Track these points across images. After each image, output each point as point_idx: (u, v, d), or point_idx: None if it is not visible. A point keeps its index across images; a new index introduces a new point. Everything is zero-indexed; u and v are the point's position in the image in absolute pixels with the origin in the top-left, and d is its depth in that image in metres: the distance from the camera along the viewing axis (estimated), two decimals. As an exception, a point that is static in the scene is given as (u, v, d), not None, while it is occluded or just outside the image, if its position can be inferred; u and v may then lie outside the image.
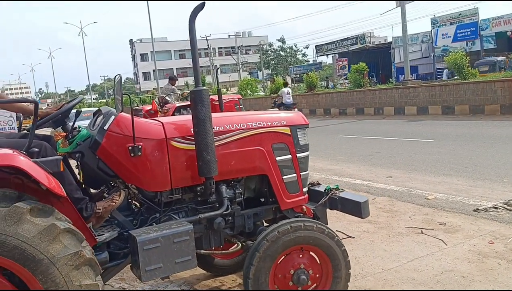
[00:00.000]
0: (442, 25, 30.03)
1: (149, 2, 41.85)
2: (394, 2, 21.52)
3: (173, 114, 11.68)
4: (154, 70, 49.08)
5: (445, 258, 4.10)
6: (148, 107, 13.67)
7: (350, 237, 4.86)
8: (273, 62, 64.86)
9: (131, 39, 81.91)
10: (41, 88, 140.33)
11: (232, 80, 63.89)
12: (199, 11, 2.70)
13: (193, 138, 2.74)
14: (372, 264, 4.14)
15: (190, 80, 54.35)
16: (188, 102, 13.62)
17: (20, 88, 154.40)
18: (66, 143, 2.70)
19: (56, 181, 2.26)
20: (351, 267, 4.07)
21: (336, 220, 5.09)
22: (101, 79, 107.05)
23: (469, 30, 27.91)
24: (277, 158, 3.16)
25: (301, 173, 3.30)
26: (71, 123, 2.86)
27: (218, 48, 78.20)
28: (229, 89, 51.19)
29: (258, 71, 62.79)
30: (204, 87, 2.72)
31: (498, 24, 26.60)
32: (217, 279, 4.00)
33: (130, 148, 2.63)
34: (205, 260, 3.83)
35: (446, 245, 4.39)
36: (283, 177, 3.19)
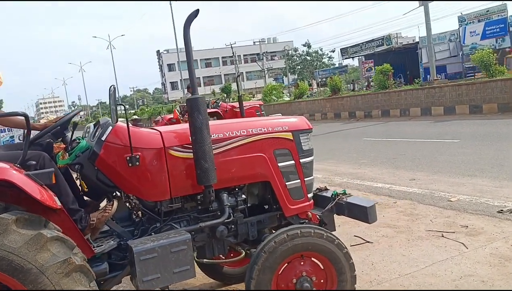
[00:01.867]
0: (470, 22, 29.36)
1: (174, 13, 42.42)
2: (417, 1, 21.08)
3: None
4: (181, 80, 49.72)
5: (465, 262, 3.95)
6: (170, 116, 13.95)
7: (368, 242, 4.75)
8: (299, 67, 64.65)
9: (158, 50, 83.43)
10: (74, 101, 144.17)
11: (259, 86, 64.05)
12: (194, 19, 2.70)
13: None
14: (389, 269, 4.03)
15: (217, 88, 54.83)
16: (212, 110, 13.88)
17: (54, 101, 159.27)
18: (65, 155, 2.73)
19: (49, 193, 2.29)
20: (367, 272, 4.04)
21: (355, 225, 4.98)
22: (131, 91, 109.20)
23: (498, 26, 27.16)
24: (280, 164, 3.11)
25: (305, 179, 3.23)
26: (69, 135, 2.89)
27: (244, 55, 78.69)
28: (255, 95, 51.37)
29: (284, 76, 62.78)
30: (200, 95, 2.70)
31: (528, 19, 25.79)
32: (231, 287, 3.97)
33: (128, 158, 2.63)
34: (214, 269, 3.80)
35: (467, 248, 4.23)
36: (287, 183, 3.14)
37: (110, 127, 2.70)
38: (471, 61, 20.80)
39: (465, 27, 29.18)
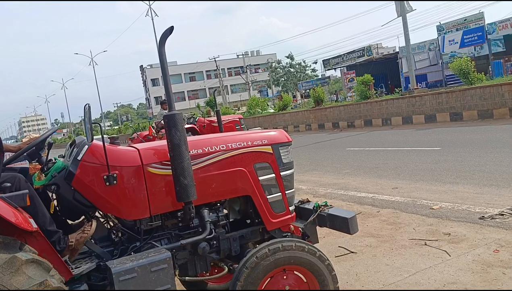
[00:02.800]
0: (448, 31, 29.97)
1: (156, 28, 42.51)
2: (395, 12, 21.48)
3: None
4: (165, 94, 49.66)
5: (448, 269, 3.97)
6: (146, 133, 13.76)
7: (352, 252, 4.75)
8: (283, 79, 65.10)
9: (142, 65, 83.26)
10: (56, 119, 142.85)
11: (243, 99, 64.22)
12: (168, 36, 2.70)
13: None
14: (373, 279, 4.02)
15: (201, 101, 54.82)
16: (187, 125, 13.55)
17: (36, 120, 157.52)
18: (41, 176, 2.68)
19: (23, 216, 2.24)
20: (352, 283, 4.03)
21: (340, 236, 5.00)
22: (114, 106, 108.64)
23: (475, 35, 27.80)
24: (260, 178, 3.11)
25: (287, 192, 3.23)
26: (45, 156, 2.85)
27: (228, 68, 78.96)
28: (240, 108, 51.47)
29: (268, 89, 63.13)
30: (178, 111, 2.69)
31: (505, 27, 26.43)
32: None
33: (105, 177, 2.60)
34: (198, 286, 3.76)
35: (450, 256, 4.25)
36: (268, 197, 3.13)
37: (86, 146, 2.67)
38: (450, 69, 21.19)
39: (443, 36, 29.79)
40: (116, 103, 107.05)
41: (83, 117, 2.66)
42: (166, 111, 14.13)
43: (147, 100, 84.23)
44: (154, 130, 13.01)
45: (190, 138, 2.89)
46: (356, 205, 6.66)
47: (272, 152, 3.18)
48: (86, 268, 2.56)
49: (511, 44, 27.10)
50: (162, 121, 14.40)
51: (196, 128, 13.47)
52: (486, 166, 8.01)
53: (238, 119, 14.20)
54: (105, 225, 2.96)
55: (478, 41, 27.61)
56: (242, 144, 3.09)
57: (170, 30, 2.70)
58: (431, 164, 9.09)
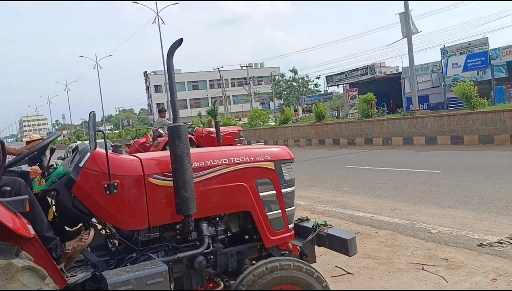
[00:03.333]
0: (452, 55, 30.10)
1: (162, 35, 42.74)
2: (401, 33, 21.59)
3: (163, 148, 11.63)
4: (167, 101, 49.77)
5: (445, 296, 3.94)
6: (142, 140, 13.69)
7: (349, 273, 4.71)
8: (285, 92, 65.29)
9: (146, 71, 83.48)
10: (58, 120, 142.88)
11: (245, 110, 64.35)
12: (177, 47, 2.70)
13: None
14: (369, 303, 3.99)
15: (203, 110, 54.93)
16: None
17: (37, 119, 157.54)
18: (42, 181, 2.66)
19: (22, 221, 2.22)
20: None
21: (337, 255, 4.91)
22: (116, 111, 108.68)
23: (479, 59, 27.90)
24: (261, 194, 3.09)
25: (287, 209, 3.21)
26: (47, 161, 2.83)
27: (231, 79, 79.20)
28: (241, 119, 51.56)
29: (270, 101, 63.27)
30: (182, 123, 2.68)
31: (508, 53, 26.53)
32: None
33: (105, 185, 2.58)
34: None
35: (447, 282, 4.21)
36: (268, 213, 3.11)
37: (89, 154, 2.65)
38: (452, 92, 21.25)
39: (447, 59, 29.91)
40: (118, 108, 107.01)
41: (87, 123, 2.64)
42: (164, 119, 14.05)
43: (149, 106, 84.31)
44: (150, 138, 12.93)
45: (193, 150, 2.87)
46: (354, 225, 6.62)
47: (274, 168, 3.17)
48: (82, 277, 2.53)
49: (513, 71, 27.26)
50: (159, 130, 14.21)
51: (193, 138, 13.19)
52: (485, 191, 7.98)
53: (237, 131, 13.97)
54: (103, 233, 2.92)
55: (481, 66, 27.72)
56: (245, 159, 3.07)
57: (179, 42, 2.70)
58: (430, 186, 9.06)
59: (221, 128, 15.56)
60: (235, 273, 3.02)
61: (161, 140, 12.88)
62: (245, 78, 64.35)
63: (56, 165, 2.83)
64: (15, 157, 2.79)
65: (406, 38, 21.39)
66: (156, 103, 77.83)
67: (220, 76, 56.15)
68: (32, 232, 2.29)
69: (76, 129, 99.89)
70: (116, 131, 70.92)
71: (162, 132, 13.43)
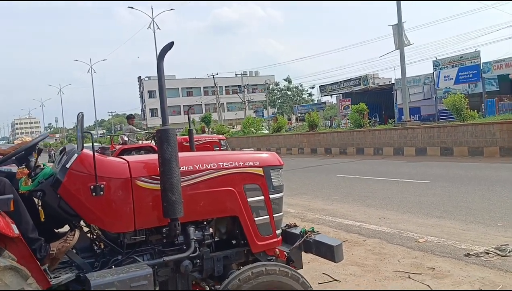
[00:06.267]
0: (444, 67, 30.39)
1: (156, 41, 42.83)
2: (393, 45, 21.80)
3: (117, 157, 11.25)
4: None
5: (430, 305, 3.95)
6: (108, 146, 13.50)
7: (336, 280, 4.72)
8: (279, 101, 65.50)
9: (140, 77, 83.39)
10: (50, 123, 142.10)
11: (239, 117, 64.40)
12: (168, 51, 2.71)
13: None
14: (355, 310, 3.99)
15: (197, 117, 54.86)
16: (138, 145, 12.62)
17: (30, 122, 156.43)
18: (28, 181, 2.65)
19: (6, 221, 2.21)
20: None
21: (324, 262, 4.92)
22: (109, 115, 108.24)
23: (471, 72, 28.19)
24: (249, 199, 3.09)
25: (274, 215, 3.21)
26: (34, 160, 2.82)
27: (225, 86, 79.28)
28: (235, 127, 51.59)
29: (264, 109, 63.42)
30: (170, 127, 2.69)
31: (499, 67, 26.85)
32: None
33: (92, 187, 2.58)
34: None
35: (433, 291, 4.24)
36: (255, 219, 3.11)
37: (76, 155, 2.64)
38: (443, 104, 21.42)
39: (439, 72, 30.19)
40: (111, 112, 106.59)
41: (75, 125, 2.64)
42: (131, 126, 13.71)
43: (142, 111, 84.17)
44: (118, 145, 12.69)
45: (182, 154, 2.88)
46: (343, 232, 6.64)
47: (263, 174, 3.17)
48: (65, 279, 2.51)
49: (504, 84, 27.53)
50: (124, 137, 13.80)
51: (154, 146, 12.06)
52: (473, 203, 8.05)
53: (217, 140, 13.25)
54: (88, 235, 2.91)
55: (472, 78, 28.00)
56: (234, 164, 3.08)
57: (170, 45, 2.72)
58: (419, 196, 9.12)
59: (201, 137, 14.91)
60: (222, 278, 3.00)
61: (117, 147, 12.46)
62: (239, 86, 64.46)
63: (43, 165, 2.83)
64: (1, 156, 2.78)
65: (398, 50, 21.59)
66: (150, 109, 77.76)
67: (215, 83, 56.21)
68: (16, 231, 2.28)
69: (68, 133, 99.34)
70: (108, 136, 70.57)
71: (126, 139, 13.09)
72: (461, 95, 18.89)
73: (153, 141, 13.02)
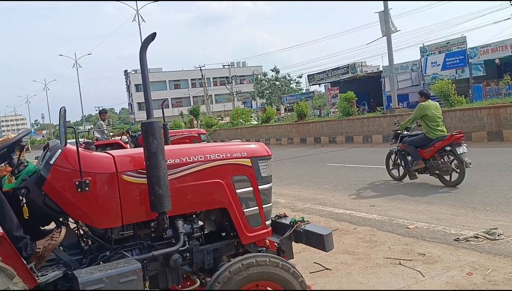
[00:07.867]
0: (431, 53, 30.55)
1: (142, 33, 42.40)
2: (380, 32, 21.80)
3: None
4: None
5: None
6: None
7: (327, 269, 4.73)
8: (268, 91, 65.40)
9: (126, 70, 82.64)
10: (37, 120, 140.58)
11: (227, 109, 64.21)
12: (150, 42, 2.67)
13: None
14: (347, 298, 4.00)
15: (185, 109, 54.58)
16: (112, 140, 12.01)
17: (16, 119, 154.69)
18: (12, 179, 2.60)
19: None
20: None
21: (316, 252, 4.93)
22: (96, 110, 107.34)
23: (457, 58, 28.39)
24: (238, 191, 3.07)
25: (264, 206, 3.20)
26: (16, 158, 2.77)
27: (213, 78, 78.90)
28: (223, 118, 51.44)
29: (252, 100, 63.29)
30: (156, 120, 2.65)
31: (486, 52, 27.07)
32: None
33: (77, 183, 2.53)
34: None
35: (424, 276, 4.26)
36: (244, 210, 3.09)
37: (59, 151, 2.59)
38: (431, 90, 21.51)
39: (426, 58, 30.35)
40: (98, 107, 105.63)
41: (58, 121, 2.58)
42: (101, 122, 13.34)
43: (129, 105, 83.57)
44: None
45: (168, 147, 2.84)
46: (333, 221, 6.66)
47: (251, 165, 3.15)
48: (52, 276, 2.47)
49: (491, 69, 27.80)
50: (95, 133, 13.26)
51: (123, 143, 11.61)
52: (462, 187, 8.11)
53: (197, 135, 12.59)
54: (75, 232, 2.87)
55: (459, 64, 28.21)
56: (221, 156, 3.05)
57: (152, 36, 2.67)
58: (408, 183, 9.17)
59: (179, 131, 14.29)
60: (212, 270, 2.98)
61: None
62: (227, 77, 64.23)
63: (27, 162, 2.77)
64: None
65: (385, 37, 21.60)
66: (137, 103, 77.17)
67: (202, 75, 55.88)
68: (0, 230, 2.23)
69: (55, 129, 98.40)
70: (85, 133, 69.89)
71: (98, 136, 12.74)
72: (449, 81, 18.99)
73: (121, 137, 12.58)
